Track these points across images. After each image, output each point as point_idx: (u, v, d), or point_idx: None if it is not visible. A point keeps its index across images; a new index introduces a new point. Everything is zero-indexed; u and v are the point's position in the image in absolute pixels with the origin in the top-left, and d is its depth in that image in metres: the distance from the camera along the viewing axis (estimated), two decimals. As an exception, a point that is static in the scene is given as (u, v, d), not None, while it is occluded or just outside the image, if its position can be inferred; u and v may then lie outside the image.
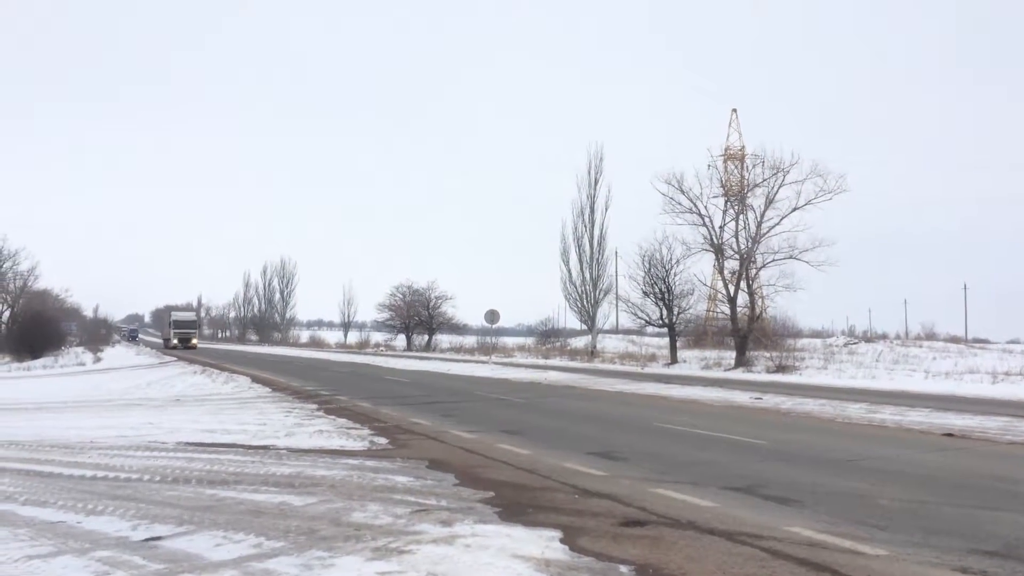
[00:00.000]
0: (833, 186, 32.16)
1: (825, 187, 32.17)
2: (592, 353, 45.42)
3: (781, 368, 31.26)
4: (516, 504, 7.16)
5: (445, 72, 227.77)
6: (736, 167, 45.90)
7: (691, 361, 37.83)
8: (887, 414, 15.64)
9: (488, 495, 7.54)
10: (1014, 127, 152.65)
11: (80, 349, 63.26)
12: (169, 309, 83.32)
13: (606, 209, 46.87)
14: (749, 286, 35.28)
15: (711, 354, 39.80)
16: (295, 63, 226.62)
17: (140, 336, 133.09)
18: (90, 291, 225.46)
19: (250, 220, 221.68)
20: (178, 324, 77.54)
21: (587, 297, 46.59)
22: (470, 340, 66.90)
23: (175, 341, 74.65)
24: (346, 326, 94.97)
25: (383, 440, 11.58)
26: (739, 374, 31.01)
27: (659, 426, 13.73)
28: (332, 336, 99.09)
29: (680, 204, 35.37)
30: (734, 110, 62.69)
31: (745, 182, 37.53)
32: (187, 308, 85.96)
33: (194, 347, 74.02)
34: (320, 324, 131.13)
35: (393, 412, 15.79)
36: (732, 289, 35.52)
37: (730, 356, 36.04)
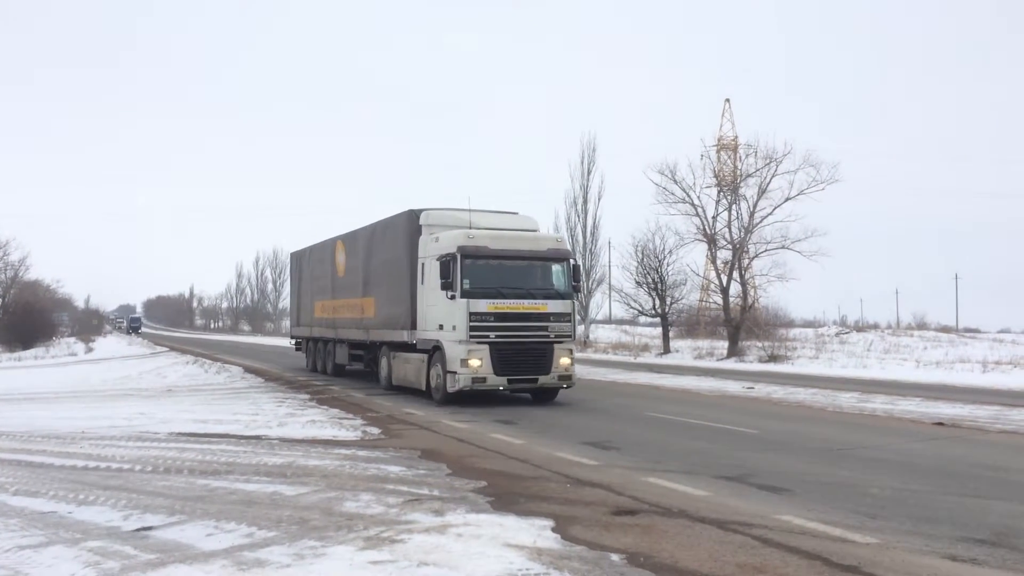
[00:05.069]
0: (826, 176, 32.10)
1: (818, 177, 32.10)
2: (585, 343, 45.44)
3: (773, 358, 31.37)
4: (508, 494, 7.17)
5: (441, 65, 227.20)
6: (729, 157, 45.91)
7: (684, 351, 37.89)
8: (878, 403, 15.72)
9: (480, 485, 7.55)
10: (1006, 119, 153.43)
11: (72, 339, 63.02)
12: (410, 210, 16.29)
13: (599, 199, 46.60)
14: (742, 276, 35.37)
15: (704, 344, 39.84)
16: (286, 60, 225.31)
17: (143, 328, 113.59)
18: (82, 282, 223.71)
19: (243, 210, 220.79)
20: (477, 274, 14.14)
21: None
22: (463, 330, 66.58)
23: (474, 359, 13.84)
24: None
25: (376, 430, 11.56)
26: (731, 364, 31.10)
27: (651, 415, 13.77)
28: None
29: (673, 194, 35.28)
30: (727, 100, 62.63)
31: (738, 172, 37.57)
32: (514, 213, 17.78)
33: (569, 384, 15.48)
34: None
35: (386, 402, 15.78)
36: (725, 279, 35.57)
37: (723, 346, 36.12)
